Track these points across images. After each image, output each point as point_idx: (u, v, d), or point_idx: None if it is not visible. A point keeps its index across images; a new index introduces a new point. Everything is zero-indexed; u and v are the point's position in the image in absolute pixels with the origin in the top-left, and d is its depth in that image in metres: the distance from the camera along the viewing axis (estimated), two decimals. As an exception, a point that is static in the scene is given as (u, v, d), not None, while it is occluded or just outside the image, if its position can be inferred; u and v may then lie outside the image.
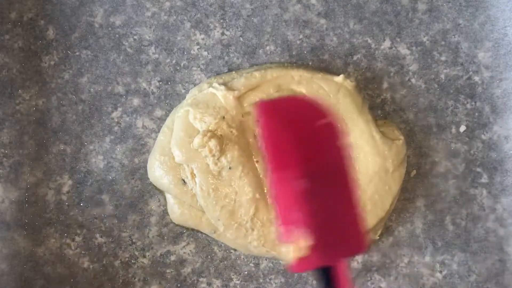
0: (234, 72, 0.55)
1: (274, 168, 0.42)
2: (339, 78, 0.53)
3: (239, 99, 0.53)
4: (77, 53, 0.56)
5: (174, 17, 0.56)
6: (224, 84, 0.53)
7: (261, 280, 0.55)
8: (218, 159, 0.52)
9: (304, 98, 0.50)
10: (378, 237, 0.54)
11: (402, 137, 0.54)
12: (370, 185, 0.52)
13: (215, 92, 0.53)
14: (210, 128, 0.52)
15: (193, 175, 0.52)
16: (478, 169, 0.55)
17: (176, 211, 0.54)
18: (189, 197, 0.53)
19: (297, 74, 0.53)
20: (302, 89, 0.53)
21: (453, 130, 0.56)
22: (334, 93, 0.53)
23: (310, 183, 0.40)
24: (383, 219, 0.53)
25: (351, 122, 0.52)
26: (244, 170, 0.52)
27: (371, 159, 0.52)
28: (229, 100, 0.52)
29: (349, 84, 0.53)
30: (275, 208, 0.43)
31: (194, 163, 0.52)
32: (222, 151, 0.51)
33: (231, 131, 0.52)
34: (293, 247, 0.40)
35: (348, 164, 0.43)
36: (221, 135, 0.52)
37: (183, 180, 0.53)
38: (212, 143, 0.51)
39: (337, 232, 0.41)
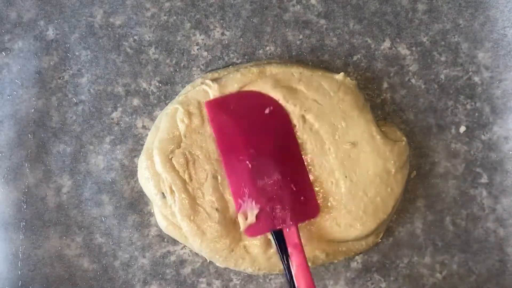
0: (230, 66, 0.54)
1: (223, 152, 0.50)
2: (340, 76, 0.52)
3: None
4: (77, 53, 0.56)
5: (174, 17, 0.56)
6: (218, 80, 0.52)
7: (260, 281, 0.55)
8: (199, 189, 0.50)
9: (248, 92, 0.52)
10: (380, 240, 0.54)
11: (404, 138, 0.53)
12: (371, 187, 0.51)
13: (208, 90, 0.52)
14: (193, 149, 0.50)
15: (172, 191, 0.50)
16: (478, 170, 0.55)
17: (162, 223, 0.52)
18: (169, 214, 0.51)
19: (297, 71, 0.52)
20: (301, 87, 0.52)
21: (453, 131, 0.55)
22: (334, 91, 0.52)
23: (256, 163, 0.49)
24: (385, 221, 0.52)
25: (351, 121, 0.51)
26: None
27: (372, 160, 0.51)
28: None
29: (350, 82, 0.52)
30: (229, 186, 0.50)
31: (171, 177, 0.50)
32: (204, 174, 0.50)
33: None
34: (240, 216, 0.49)
35: (294, 142, 0.51)
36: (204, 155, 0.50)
37: (163, 194, 0.51)
38: (188, 172, 0.49)
39: (285, 202, 0.49)
